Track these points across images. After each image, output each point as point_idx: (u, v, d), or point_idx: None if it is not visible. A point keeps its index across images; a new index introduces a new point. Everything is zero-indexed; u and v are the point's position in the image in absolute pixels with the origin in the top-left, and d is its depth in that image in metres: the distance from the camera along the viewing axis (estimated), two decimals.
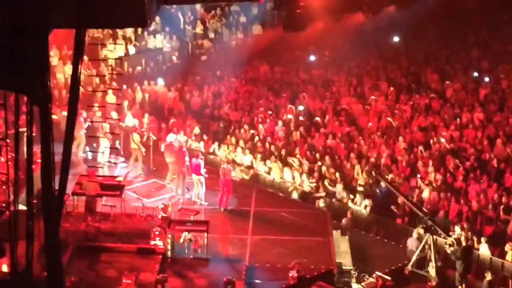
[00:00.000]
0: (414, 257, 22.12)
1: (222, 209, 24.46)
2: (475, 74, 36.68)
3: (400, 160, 27.86)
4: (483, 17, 40.93)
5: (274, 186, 27.35)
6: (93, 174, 22.29)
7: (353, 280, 21.15)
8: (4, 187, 20.14)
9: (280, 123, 31.36)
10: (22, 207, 12.40)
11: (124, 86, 33.27)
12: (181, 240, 21.06)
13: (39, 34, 10.69)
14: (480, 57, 38.95)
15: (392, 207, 25.30)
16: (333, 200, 26.13)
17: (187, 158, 25.38)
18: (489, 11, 40.46)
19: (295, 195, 26.67)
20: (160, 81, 35.28)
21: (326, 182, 26.77)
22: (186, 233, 21.15)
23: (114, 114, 29.09)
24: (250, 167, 28.37)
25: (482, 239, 22.68)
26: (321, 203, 25.97)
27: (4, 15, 10.62)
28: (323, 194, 26.42)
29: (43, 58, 10.85)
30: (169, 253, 20.67)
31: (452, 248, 21.71)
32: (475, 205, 24.51)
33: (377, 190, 26.35)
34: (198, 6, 39.87)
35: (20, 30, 10.57)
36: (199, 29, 40.97)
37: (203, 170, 24.73)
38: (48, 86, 10.92)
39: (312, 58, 39.10)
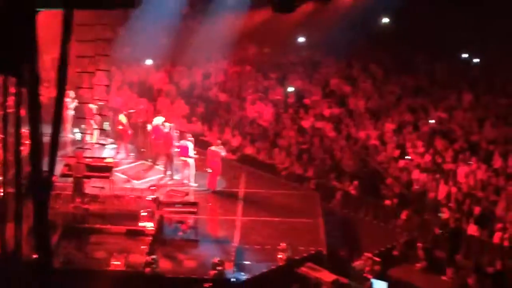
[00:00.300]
0: (403, 239, 22.16)
1: (211, 191, 24.43)
2: (464, 55, 36.66)
3: (389, 142, 27.87)
4: None
5: (263, 167, 27.33)
6: (81, 156, 22.20)
7: (343, 261, 21.15)
8: None
9: (269, 104, 31.30)
10: (10, 188, 12.34)
11: (113, 67, 33.12)
12: (170, 222, 21.02)
13: (27, 15, 10.60)
14: (470, 38, 38.90)
15: (381, 188, 25.32)
16: (323, 181, 26.13)
17: (174, 141, 25.25)
18: None
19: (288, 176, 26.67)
20: (149, 62, 35.12)
21: (314, 164, 26.79)
22: (176, 214, 21.12)
23: (102, 96, 28.96)
24: (239, 148, 28.35)
25: (471, 221, 22.74)
26: (313, 186, 25.92)
27: None
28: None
29: (32, 39, 10.77)
30: (158, 234, 20.65)
31: (440, 230, 21.76)
32: (464, 186, 24.56)
33: (366, 172, 26.37)
34: None
35: (8, 11, 10.47)
36: (187, 10, 40.74)
37: (192, 152, 24.64)
38: (36, 67, 10.84)
39: (301, 39, 38.99)
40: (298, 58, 37.59)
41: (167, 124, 26.27)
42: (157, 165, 26.01)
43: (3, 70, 11.10)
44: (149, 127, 26.58)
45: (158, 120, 26.48)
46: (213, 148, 24.74)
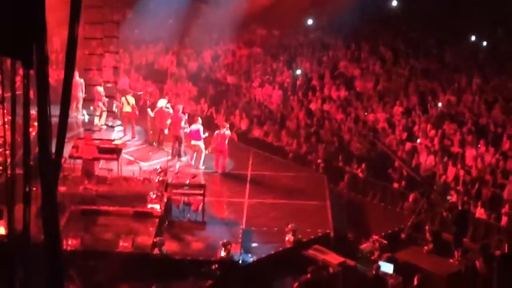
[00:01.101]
0: (410, 221, 22.17)
1: (219, 173, 24.47)
2: (474, 38, 36.57)
3: (397, 124, 27.85)
4: None
5: (271, 150, 27.35)
6: (89, 138, 22.25)
7: (351, 244, 21.17)
8: (0, 150, 20.13)
9: (277, 87, 31.29)
10: (19, 170, 12.39)
11: (121, 50, 33.15)
12: (178, 204, 21.07)
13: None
14: (479, 22, 38.76)
15: (389, 171, 25.33)
16: (330, 164, 26.13)
17: (183, 123, 25.25)
18: None
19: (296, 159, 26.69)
20: (158, 44, 35.12)
21: (323, 146, 26.79)
22: (183, 196, 21.16)
23: (111, 78, 28.98)
24: (247, 131, 28.38)
25: (479, 204, 22.73)
26: (321, 169, 25.90)
27: None
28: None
29: (40, 20, 10.78)
30: (166, 216, 20.71)
31: (448, 212, 21.74)
32: (472, 169, 24.54)
33: (374, 154, 26.37)
34: None
35: None
36: None
37: (202, 135, 24.65)
38: (45, 49, 10.84)
39: (310, 21, 38.93)
40: (306, 40, 37.52)
41: (170, 106, 26.24)
42: (163, 147, 26.00)
43: (11, 54, 11.07)
44: (150, 112, 26.45)
45: (162, 102, 26.46)
46: (219, 131, 24.76)
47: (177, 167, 24.36)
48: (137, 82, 30.93)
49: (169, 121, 25.40)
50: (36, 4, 10.65)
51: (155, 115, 26.16)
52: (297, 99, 30.38)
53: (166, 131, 25.82)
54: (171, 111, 25.80)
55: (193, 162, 24.81)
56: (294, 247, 19.69)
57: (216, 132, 24.82)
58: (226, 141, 24.54)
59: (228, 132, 24.74)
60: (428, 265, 19.97)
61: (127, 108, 26.92)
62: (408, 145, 26.47)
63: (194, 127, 24.79)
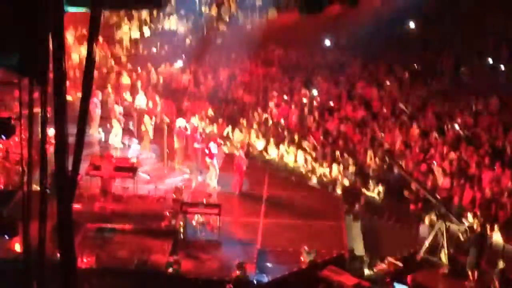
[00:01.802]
0: (426, 244, 22.05)
1: (235, 193, 24.46)
2: (490, 60, 36.48)
3: (414, 146, 27.77)
4: (500, 3, 40.62)
5: (287, 170, 27.32)
6: (110, 157, 22.33)
7: (365, 265, 21.12)
8: (18, 167, 20.21)
9: (294, 107, 31.29)
10: (35, 187, 12.42)
11: (139, 68, 33.29)
12: (193, 223, 21.07)
13: (55, 15, 10.64)
14: (497, 44, 38.70)
15: (405, 192, 25.23)
16: (346, 185, 26.05)
17: (196, 144, 25.24)
18: None
19: (314, 180, 26.62)
20: (179, 63, 35.26)
21: (339, 167, 26.72)
22: (199, 215, 21.17)
23: (128, 96, 29.11)
24: (263, 150, 28.39)
25: (495, 227, 22.60)
26: (338, 190, 25.82)
27: None
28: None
29: (59, 39, 10.82)
30: (181, 235, 20.70)
31: (465, 235, 21.64)
32: (489, 192, 24.41)
33: (390, 176, 26.29)
34: None
35: (35, 10, 10.51)
36: (214, 11, 40.84)
37: (218, 154, 24.71)
38: (63, 66, 10.88)
39: (327, 42, 38.96)
40: (323, 60, 37.53)
41: (191, 125, 26.34)
42: (181, 166, 26.05)
43: (25, 72, 11.11)
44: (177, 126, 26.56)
45: (180, 123, 26.51)
46: (238, 153, 24.79)
47: (193, 186, 24.37)
48: (154, 100, 30.97)
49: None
50: (55, 23, 10.71)
51: (175, 135, 26.26)
52: (313, 119, 30.31)
53: (178, 148, 25.90)
54: (189, 130, 25.89)
55: (209, 181, 24.82)
56: (309, 268, 19.63)
57: (235, 152, 24.85)
58: (243, 163, 24.53)
59: (243, 154, 24.78)
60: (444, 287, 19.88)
61: (144, 128, 26.99)
62: (424, 167, 26.35)
63: (210, 146, 24.84)
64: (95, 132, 28.20)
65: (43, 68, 10.50)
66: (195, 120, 27.14)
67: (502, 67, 35.41)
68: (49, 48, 10.42)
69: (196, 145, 25.14)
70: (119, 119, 27.22)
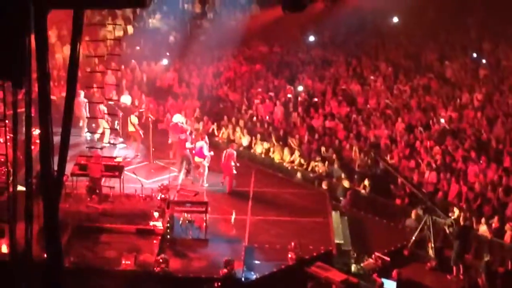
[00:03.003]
0: (413, 238, 22.12)
1: (222, 191, 24.42)
2: (474, 54, 36.64)
3: (399, 141, 27.83)
4: None
5: (273, 166, 27.33)
6: (98, 157, 22.24)
7: (352, 261, 21.16)
8: (3, 168, 20.12)
9: (279, 103, 31.30)
10: (21, 188, 12.38)
11: (123, 67, 33.21)
12: (181, 221, 21.04)
13: (38, 15, 10.59)
14: (479, 38, 38.86)
15: (392, 187, 25.29)
16: (333, 180, 26.09)
17: (187, 144, 25.18)
18: None
19: (298, 176, 26.64)
20: (164, 62, 35.23)
21: (325, 163, 26.75)
22: (186, 214, 21.14)
23: (113, 95, 29.04)
24: (249, 147, 28.40)
25: (482, 220, 22.67)
26: (324, 186, 25.82)
27: None
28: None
29: (42, 39, 10.77)
30: (168, 234, 20.67)
31: (451, 229, 21.71)
32: (475, 186, 24.49)
33: (376, 171, 26.35)
34: None
35: (11, 12, 10.41)
36: (197, 9, 40.84)
37: (207, 152, 24.65)
38: (47, 66, 10.83)
39: (311, 38, 39.02)
40: (308, 57, 37.58)
41: (184, 124, 26.30)
42: (172, 163, 25.98)
43: (3, 77, 10.98)
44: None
45: (177, 118, 26.38)
46: (228, 150, 24.73)
47: (179, 184, 24.33)
48: (139, 99, 30.92)
49: (183, 136, 25.30)
50: (38, 23, 10.65)
51: (170, 129, 26.26)
52: (298, 116, 30.33)
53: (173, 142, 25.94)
54: (185, 127, 25.87)
55: (196, 180, 24.79)
56: (297, 264, 19.63)
57: (224, 151, 24.80)
58: (232, 161, 24.48)
59: (233, 151, 24.73)
60: (431, 282, 19.98)
61: (131, 128, 26.92)
62: (410, 162, 26.41)
63: (198, 144, 24.80)
64: (81, 132, 28.12)
65: (20, 71, 10.40)
66: (180, 117, 26.99)
67: (484, 61, 35.62)
68: (27, 50, 10.34)
69: (188, 145, 25.02)
70: (105, 118, 27.11)
